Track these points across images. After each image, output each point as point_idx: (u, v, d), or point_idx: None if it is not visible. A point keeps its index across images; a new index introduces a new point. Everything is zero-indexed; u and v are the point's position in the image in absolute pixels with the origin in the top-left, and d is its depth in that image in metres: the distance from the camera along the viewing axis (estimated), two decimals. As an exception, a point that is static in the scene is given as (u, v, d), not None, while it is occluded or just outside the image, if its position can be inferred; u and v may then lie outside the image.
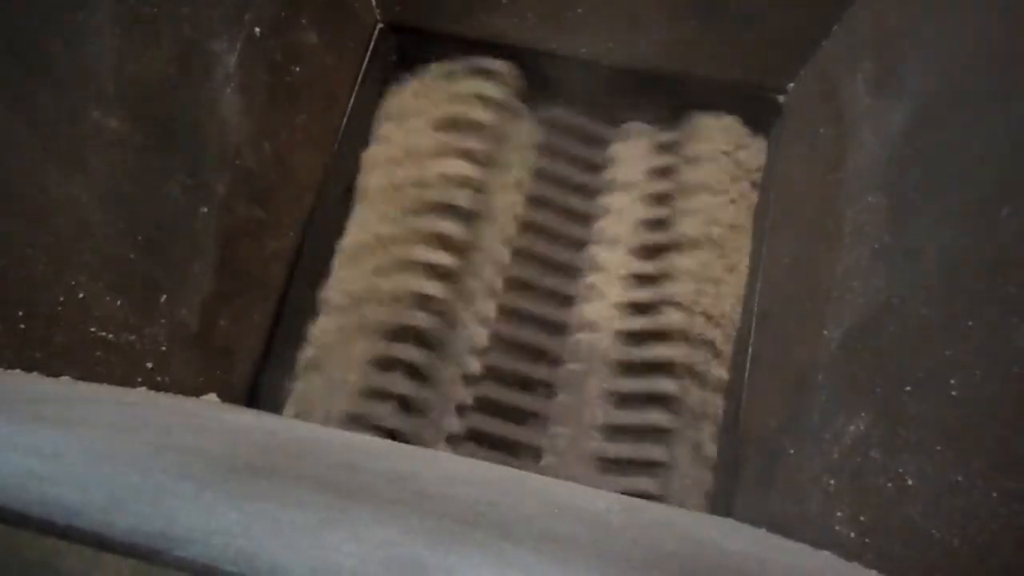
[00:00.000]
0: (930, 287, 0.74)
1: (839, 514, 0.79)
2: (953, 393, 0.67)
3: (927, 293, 0.74)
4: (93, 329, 0.82)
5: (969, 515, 0.63)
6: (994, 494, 0.61)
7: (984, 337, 0.66)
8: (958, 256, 0.71)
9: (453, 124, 1.32)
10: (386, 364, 1.19)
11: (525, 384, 1.23)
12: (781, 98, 1.28)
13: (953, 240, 0.72)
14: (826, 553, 0.79)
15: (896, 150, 0.86)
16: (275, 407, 1.18)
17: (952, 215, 0.73)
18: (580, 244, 1.32)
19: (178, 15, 0.88)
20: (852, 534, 0.76)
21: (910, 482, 0.70)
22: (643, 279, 1.27)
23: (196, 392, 1.00)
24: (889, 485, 0.72)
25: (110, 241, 0.83)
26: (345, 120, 1.29)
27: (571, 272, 1.30)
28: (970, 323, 0.67)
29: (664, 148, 1.34)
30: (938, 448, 0.68)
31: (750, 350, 1.15)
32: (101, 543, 0.37)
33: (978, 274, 0.68)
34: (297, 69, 1.12)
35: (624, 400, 1.20)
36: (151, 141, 0.86)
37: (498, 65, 1.34)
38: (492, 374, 1.23)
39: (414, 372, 1.19)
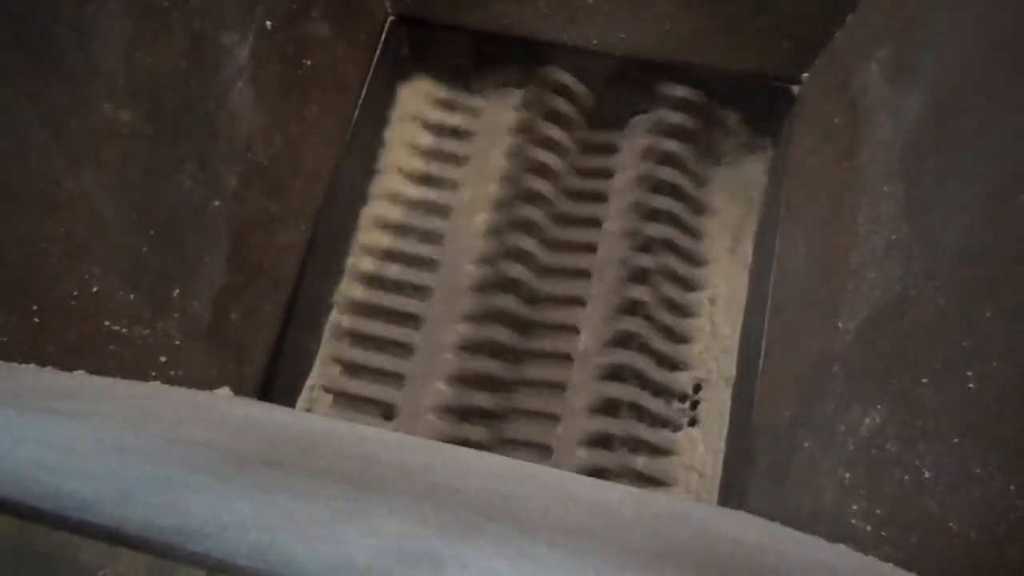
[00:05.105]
0: (947, 277, 0.73)
1: (855, 507, 0.78)
2: (970, 385, 0.67)
3: (944, 283, 0.73)
4: (107, 323, 0.83)
5: (987, 507, 0.62)
6: (1012, 486, 0.60)
7: (1002, 328, 0.65)
8: (976, 245, 0.70)
9: (436, 125, 1.35)
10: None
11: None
12: (795, 88, 1.27)
13: (971, 229, 0.71)
14: (842, 546, 0.78)
15: (912, 139, 0.85)
16: (288, 400, 1.18)
17: (970, 204, 0.72)
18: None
19: (189, 8, 0.88)
20: (868, 527, 0.76)
21: (927, 474, 0.70)
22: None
23: (209, 385, 1.01)
24: (905, 477, 0.72)
25: (123, 234, 0.83)
26: (356, 113, 1.29)
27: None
28: (988, 313, 0.66)
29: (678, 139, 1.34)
30: (955, 440, 0.67)
31: (763, 341, 1.14)
32: (114, 537, 0.37)
33: (996, 263, 0.67)
34: (308, 62, 1.12)
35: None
36: (162, 134, 0.86)
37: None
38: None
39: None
